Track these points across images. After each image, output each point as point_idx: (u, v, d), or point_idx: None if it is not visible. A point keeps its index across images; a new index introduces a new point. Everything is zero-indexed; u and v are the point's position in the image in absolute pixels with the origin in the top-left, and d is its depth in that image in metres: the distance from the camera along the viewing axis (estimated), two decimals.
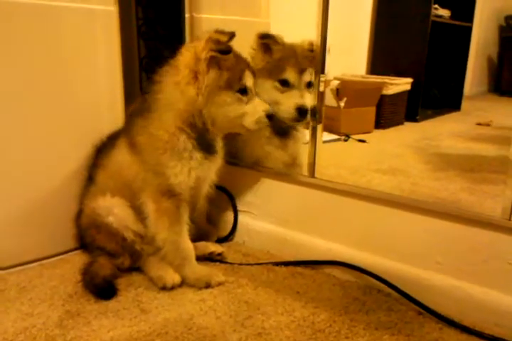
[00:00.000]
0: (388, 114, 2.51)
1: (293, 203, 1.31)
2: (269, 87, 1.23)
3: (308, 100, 1.23)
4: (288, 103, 1.22)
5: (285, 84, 1.23)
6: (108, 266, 1.19)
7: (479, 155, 2.07)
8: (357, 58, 2.54)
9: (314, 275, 1.24)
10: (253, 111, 1.10)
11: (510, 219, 0.99)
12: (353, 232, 1.22)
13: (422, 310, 1.07)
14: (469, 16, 3.21)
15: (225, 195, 1.40)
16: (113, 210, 1.17)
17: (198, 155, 1.14)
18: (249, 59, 1.23)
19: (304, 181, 1.27)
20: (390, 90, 2.42)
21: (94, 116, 1.28)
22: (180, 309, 1.08)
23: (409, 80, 2.59)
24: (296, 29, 2.12)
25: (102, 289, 1.13)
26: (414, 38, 2.75)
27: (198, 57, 1.05)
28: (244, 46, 1.14)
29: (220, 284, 1.17)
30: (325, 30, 1.21)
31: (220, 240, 1.39)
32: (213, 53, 1.04)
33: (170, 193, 1.14)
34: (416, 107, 2.78)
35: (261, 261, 1.30)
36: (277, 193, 1.33)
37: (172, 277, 1.16)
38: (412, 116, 2.78)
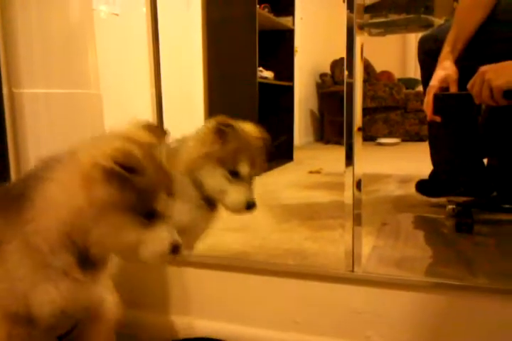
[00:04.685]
0: None
1: (144, 282, 1.24)
2: (218, 175, 1.19)
3: (255, 194, 1.22)
4: (238, 197, 1.19)
5: (235, 175, 1.20)
6: None
7: (315, 203, 2.22)
8: (194, 120, 2.62)
9: None
10: (156, 240, 0.83)
11: (353, 271, 1.06)
12: (212, 303, 1.19)
13: None
14: (290, 76, 3.58)
15: None
16: None
17: (80, 275, 0.85)
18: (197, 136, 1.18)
19: None
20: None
21: None
22: None
23: None
24: (130, 99, 2.14)
25: None
26: (245, 98, 2.94)
27: (96, 163, 0.78)
28: (77, 121, 1.06)
29: None
30: (159, 100, 1.21)
31: (63, 335, 1.22)
32: (114, 167, 0.77)
33: (27, 320, 0.86)
34: None
35: None
36: (127, 272, 1.24)
37: None
38: None
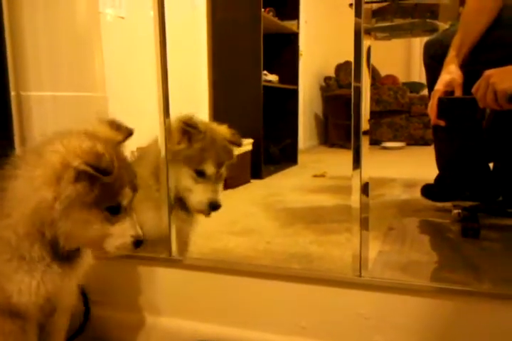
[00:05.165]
0: (235, 174, 2.60)
1: (151, 286, 1.23)
2: (184, 174, 1.21)
3: (220, 194, 1.24)
4: (201, 196, 1.21)
5: (201, 175, 1.22)
6: None
7: (320, 206, 2.22)
8: None
9: None
10: (119, 233, 0.89)
11: (360, 275, 1.05)
12: (218, 308, 1.18)
13: None
14: (295, 80, 3.58)
15: None
16: None
17: (55, 265, 0.89)
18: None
19: (159, 261, 1.21)
20: (235, 152, 2.52)
21: None
22: None
23: (250, 141, 2.74)
24: (136, 102, 2.14)
25: None
26: (250, 102, 2.95)
27: (68, 164, 0.81)
28: (83, 124, 1.06)
29: None
30: (166, 102, 1.21)
31: (71, 337, 1.21)
32: (86, 168, 0.80)
33: (12, 313, 0.90)
34: (259, 165, 2.94)
35: None
36: (133, 277, 1.23)
37: None
38: (257, 174, 2.92)
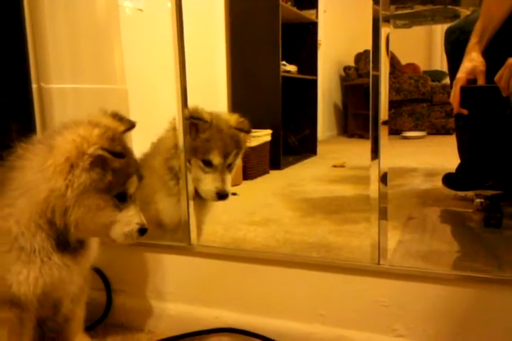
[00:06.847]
0: (254, 164, 2.61)
1: (171, 274, 1.24)
2: (193, 164, 1.23)
3: (229, 184, 1.26)
4: (209, 185, 1.25)
5: (208, 164, 1.25)
6: None
7: (339, 196, 2.21)
8: None
9: None
10: (125, 221, 0.91)
11: (379, 263, 1.05)
12: (238, 296, 1.19)
13: None
14: (314, 70, 3.56)
15: (96, 274, 1.28)
16: None
17: (55, 257, 0.90)
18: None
19: (179, 249, 1.22)
20: (253, 142, 2.53)
21: None
22: None
23: (269, 131, 2.75)
24: (155, 93, 2.16)
25: None
26: (268, 93, 2.95)
27: (83, 151, 0.83)
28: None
29: None
30: (184, 94, 1.21)
31: (92, 325, 1.25)
32: (103, 153, 0.84)
33: (11, 302, 0.91)
34: (278, 156, 2.95)
35: None
36: (153, 266, 1.25)
37: None
38: (276, 165, 2.93)
